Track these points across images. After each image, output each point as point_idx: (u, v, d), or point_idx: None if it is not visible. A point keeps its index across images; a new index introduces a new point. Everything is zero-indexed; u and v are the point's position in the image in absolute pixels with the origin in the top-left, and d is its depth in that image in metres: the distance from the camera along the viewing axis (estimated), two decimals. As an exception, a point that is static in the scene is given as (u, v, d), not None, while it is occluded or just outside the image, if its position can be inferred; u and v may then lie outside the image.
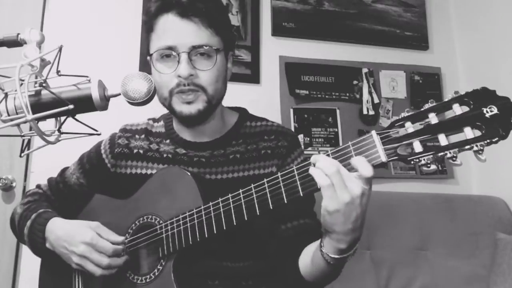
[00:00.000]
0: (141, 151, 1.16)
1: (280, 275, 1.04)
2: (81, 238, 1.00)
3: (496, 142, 0.67)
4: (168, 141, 1.15)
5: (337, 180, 0.74)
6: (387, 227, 1.95)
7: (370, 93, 2.34)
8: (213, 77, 1.02)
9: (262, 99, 2.14)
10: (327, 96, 2.29)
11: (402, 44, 2.46)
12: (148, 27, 1.05)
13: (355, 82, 2.35)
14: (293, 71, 2.26)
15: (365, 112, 2.32)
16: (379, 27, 2.43)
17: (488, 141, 0.67)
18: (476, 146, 0.68)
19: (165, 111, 1.26)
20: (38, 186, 1.26)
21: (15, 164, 1.89)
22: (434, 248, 1.98)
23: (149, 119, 1.23)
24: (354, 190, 0.74)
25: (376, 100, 2.34)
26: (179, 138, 1.14)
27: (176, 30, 1.00)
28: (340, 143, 2.24)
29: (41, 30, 1.97)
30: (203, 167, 1.10)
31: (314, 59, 2.31)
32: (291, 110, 2.22)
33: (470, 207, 2.10)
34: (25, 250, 1.80)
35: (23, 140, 0.85)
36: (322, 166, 0.76)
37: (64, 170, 1.26)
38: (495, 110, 0.68)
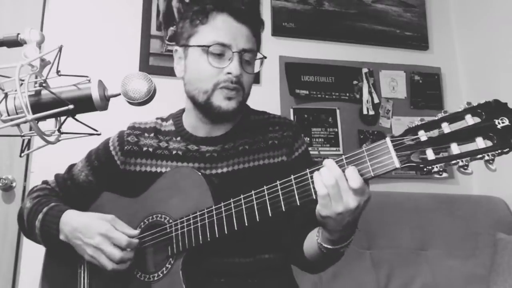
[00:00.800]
0: (150, 149, 1.17)
1: (290, 256, 1.11)
2: (97, 229, 1.01)
3: (507, 152, 0.71)
4: (178, 138, 1.17)
5: (333, 193, 0.80)
6: (387, 227, 1.95)
7: (370, 93, 2.35)
8: (251, 80, 1.12)
9: (262, 99, 2.12)
10: (327, 96, 2.29)
11: (402, 44, 2.46)
12: (201, 18, 1.08)
13: (355, 82, 2.35)
14: (293, 71, 2.26)
15: (365, 112, 2.32)
16: (379, 27, 2.43)
17: (499, 151, 0.71)
18: (488, 155, 0.71)
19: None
20: (46, 182, 1.25)
21: (15, 164, 1.89)
22: (434, 248, 1.98)
23: (157, 118, 1.24)
24: (349, 203, 0.80)
25: (376, 100, 2.34)
26: (189, 135, 1.16)
27: (232, 31, 1.07)
28: (340, 143, 2.24)
29: (41, 30, 1.98)
30: (215, 162, 1.13)
31: (314, 59, 2.31)
32: (291, 110, 2.22)
33: (470, 207, 2.10)
34: (25, 250, 1.80)
35: (23, 140, 0.85)
36: (322, 176, 0.81)
37: (71, 167, 1.26)
38: (506, 122, 0.71)
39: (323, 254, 0.95)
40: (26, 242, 1.81)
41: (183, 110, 1.23)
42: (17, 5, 1.99)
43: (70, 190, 1.22)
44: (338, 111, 2.29)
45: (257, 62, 1.14)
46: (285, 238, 1.12)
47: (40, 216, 1.10)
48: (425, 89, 2.43)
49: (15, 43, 0.83)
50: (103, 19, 2.07)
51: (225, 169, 1.12)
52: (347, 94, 2.32)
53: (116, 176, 1.18)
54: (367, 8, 2.44)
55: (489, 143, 0.71)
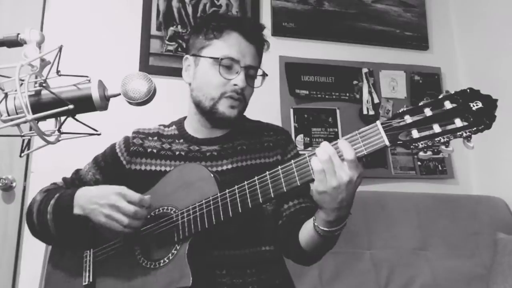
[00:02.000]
0: (154, 150, 1.25)
1: (284, 249, 1.19)
2: (112, 190, 1.06)
3: (481, 130, 0.81)
4: (181, 140, 1.26)
5: (328, 167, 0.89)
6: (387, 227, 1.96)
7: (370, 93, 2.35)
8: (251, 93, 1.25)
9: (262, 99, 2.14)
10: (327, 96, 2.29)
11: (402, 44, 2.46)
12: (215, 33, 1.21)
13: (355, 82, 2.35)
14: (293, 71, 2.26)
15: (365, 112, 2.32)
16: (379, 27, 2.43)
17: (475, 128, 0.81)
18: (465, 133, 0.81)
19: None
20: (54, 183, 1.30)
21: (15, 164, 1.89)
22: (434, 248, 1.98)
23: (159, 125, 1.33)
24: (343, 177, 0.88)
25: (376, 100, 2.34)
26: (191, 137, 1.26)
27: (242, 48, 1.20)
28: (340, 143, 2.24)
29: (41, 30, 1.98)
30: (215, 160, 1.22)
31: (314, 59, 2.31)
32: (291, 110, 2.22)
33: (470, 207, 2.10)
34: (25, 250, 1.80)
35: (23, 140, 0.85)
36: (317, 154, 0.91)
37: (78, 170, 1.31)
38: (480, 104, 0.82)
39: (319, 237, 1.01)
40: (26, 242, 1.81)
41: (184, 118, 1.32)
42: (17, 5, 1.99)
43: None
44: (338, 111, 2.29)
45: (259, 78, 1.28)
46: (280, 231, 1.18)
47: (52, 201, 1.14)
48: (425, 89, 2.42)
49: (15, 43, 0.83)
50: (103, 19, 2.07)
51: (225, 167, 1.21)
52: (347, 94, 2.32)
53: (122, 175, 1.23)
54: (367, 8, 2.44)
55: (466, 123, 0.81)
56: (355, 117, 2.30)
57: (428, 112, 0.84)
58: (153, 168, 1.23)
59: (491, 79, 2.27)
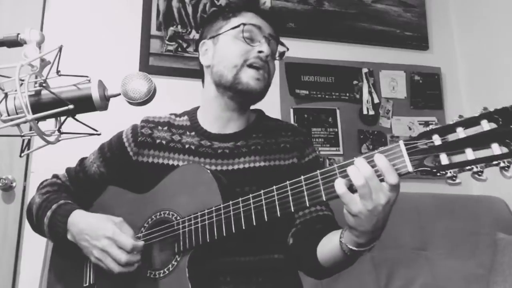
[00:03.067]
0: (163, 142, 1.18)
1: (295, 259, 1.10)
2: (103, 232, 1.01)
3: None
4: (193, 133, 1.19)
5: (363, 192, 0.79)
6: (387, 227, 1.94)
7: (370, 93, 2.35)
8: (274, 70, 1.19)
9: (262, 99, 2.14)
10: (327, 96, 2.29)
11: (402, 44, 2.46)
12: (232, 12, 1.18)
13: (355, 82, 2.35)
14: (293, 71, 2.26)
15: (365, 112, 2.32)
16: (379, 27, 2.43)
17: None
18: (503, 162, 0.70)
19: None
20: (56, 176, 1.26)
21: (15, 164, 1.89)
22: (434, 248, 1.98)
23: (171, 114, 1.26)
24: (380, 199, 0.79)
25: (376, 100, 2.34)
26: (203, 130, 1.18)
27: (260, 21, 1.17)
28: (340, 143, 2.24)
29: (41, 30, 1.97)
30: (227, 158, 1.14)
31: (314, 59, 2.31)
32: (291, 110, 2.22)
33: (470, 207, 2.09)
34: (25, 250, 1.80)
35: (23, 140, 0.85)
36: (351, 175, 0.80)
37: (83, 159, 1.26)
38: None
39: (343, 255, 0.92)
40: (26, 242, 1.81)
41: (197, 108, 1.25)
42: (17, 5, 1.99)
43: (82, 183, 1.23)
44: (338, 111, 2.29)
45: (276, 63, 1.22)
46: (293, 240, 1.11)
47: (49, 213, 1.10)
48: (425, 89, 2.42)
49: (15, 43, 0.83)
50: (103, 19, 2.07)
51: (236, 166, 1.13)
52: (347, 94, 2.32)
53: (128, 167, 1.19)
54: (367, 8, 2.44)
55: (505, 150, 0.70)
56: (355, 117, 2.30)
57: (460, 132, 0.73)
58: (160, 161, 1.16)
59: (491, 79, 2.27)
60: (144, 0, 2.13)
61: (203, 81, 1.25)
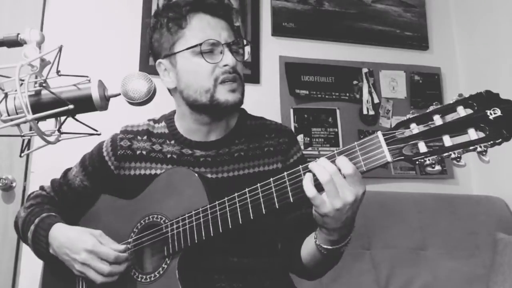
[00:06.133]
0: (144, 152, 1.16)
1: (286, 264, 1.11)
2: (83, 245, 1.01)
3: (499, 143, 0.69)
4: (172, 141, 1.16)
5: (329, 189, 0.80)
6: (387, 227, 1.95)
7: (370, 93, 2.34)
8: (242, 68, 1.12)
9: (262, 99, 2.14)
10: (327, 96, 2.29)
11: (402, 44, 2.46)
12: (178, 24, 1.08)
13: (355, 82, 2.35)
14: (293, 71, 2.26)
15: (365, 112, 2.32)
16: (379, 27, 2.43)
17: (491, 142, 0.70)
18: (480, 147, 0.70)
19: (164, 111, 1.26)
20: (42, 188, 1.26)
21: (15, 164, 1.89)
22: (434, 248, 1.98)
23: (149, 120, 1.23)
24: (347, 197, 0.79)
25: (376, 100, 2.34)
26: (184, 138, 1.15)
27: (213, 26, 1.07)
28: (340, 143, 2.24)
29: (41, 30, 1.97)
30: (210, 167, 1.12)
31: (314, 59, 2.31)
32: (291, 110, 2.22)
33: (470, 207, 2.09)
34: (25, 250, 1.80)
35: (23, 140, 0.85)
36: (316, 172, 0.81)
37: (66, 172, 1.26)
38: (498, 112, 0.70)
39: (322, 256, 0.95)
40: (26, 242, 1.81)
41: (174, 112, 1.21)
42: (17, 5, 1.99)
43: (67, 195, 1.22)
44: (338, 111, 2.28)
45: (245, 50, 1.15)
46: (282, 247, 1.12)
47: (32, 227, 1.11)
48: (425, 89, 2.42)
49: (15, 43, 0.83)
50: (103, 19, 2.07)
51: (219, 175, 1.12)
52: (347, 94, 2.32)
53: (111, 180, 1.18)
54: (367, 8, 2.44)
55: (482, 134, 0.71)
56: (355, 117, 2.30)
57: (437, 120, 0.74)
58: (142, 172, 1.15)
59: (491, 79, 2.27)
60: (144, 0, 2.13)
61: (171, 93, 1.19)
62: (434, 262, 1.95)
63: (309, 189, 0.82)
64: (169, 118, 1.21)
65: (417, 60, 2.46)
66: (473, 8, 2.46)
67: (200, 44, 1.04)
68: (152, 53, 1.17)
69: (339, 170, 0.80)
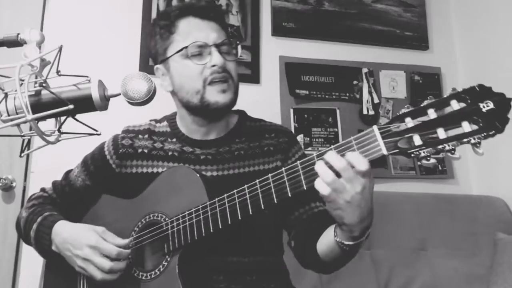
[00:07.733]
0: (145, 150, 1.18)
1: (300, 260, 1.11)
2: (86, 241, 1.02)
3: (492, 135, 0.71)
4: (174, 139, 1.18)
5: (337, 186, 0.80)
6: (387, 227, 1.95)
7: (370, 93, 2.34)
8: (236, 67, 1.14)
9: (262, 99, 2.14)
10: (327, 96, 2.29)
11: (402, 44, 2.46)
12: (168, 30, 1.13)
13: (355, 82, 2.35)
14: (293, 71, 2.26)
15: (365, 112, 2.32)
16: (379, 27, 2.43)
17: (485, 134, 0.71)
18: (474, 139, 0.72)
19: (163, 112, 1.27)
20: (43, 190, 1.27)
21: (15, 164, 1.88)
22: (434, 248, 1.98)
23: (151, 120, 1.26)
24: (356, 188, 0.80)
25: (376, 100, 2.34)
26: (185, 136, 1.18)
27: (201, 28, 1.11)
28: (340, 143, 2.24)
29: (41, 30, 1.97)
30: (210, 164, 1.14)
31: (314, 59, 2.31)
32: (291, 110, 2.22)
33: (470, 207, 2.09)
34: (25, 250, 1.80)
35: (23, 140, 0.85)
36: (322, 172, 0.81)
37: (67, 173, 1.27)
38: (491, 105, 0.72)
39: (342, 251, 0.94)
40: (26, 242, 1.81)
41: (176, 113, 1.24)
42: (17, 5, 1.99)
43: (68, 196, 1.23)
44: (338, 111, 2.28)
45: (238, 49, 1.18)
46: (294, 243, 1.12)
47: (34, 226, 1.11)
48: (425, 89, 2.42)
49: (15, 43, 0.83)
50: (103, 19, 2.07)
51: (220, 172, 1.14)
52: (347, 94, 2.32)
53: (113, 179, 1.19)
54: (367, 8, 2.44)
55: (475, 127, 0.72)
56: (355, 117, 2.30)
57: (432, 113, 0.75)
58: (144, 170, 1.17)
59: (491, 79, 2.26)
60: (144, 0, 2.13)
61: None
62: (434, 262, 1.95)
63: (322, 187, 0.81)
64: (171, 118, 1.24)
65: (417, 60, 2.46)
66: (473, 8, 2.46)
67: (186, 47, 1.08)
68: (151, 59, 1.22)
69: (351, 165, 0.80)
